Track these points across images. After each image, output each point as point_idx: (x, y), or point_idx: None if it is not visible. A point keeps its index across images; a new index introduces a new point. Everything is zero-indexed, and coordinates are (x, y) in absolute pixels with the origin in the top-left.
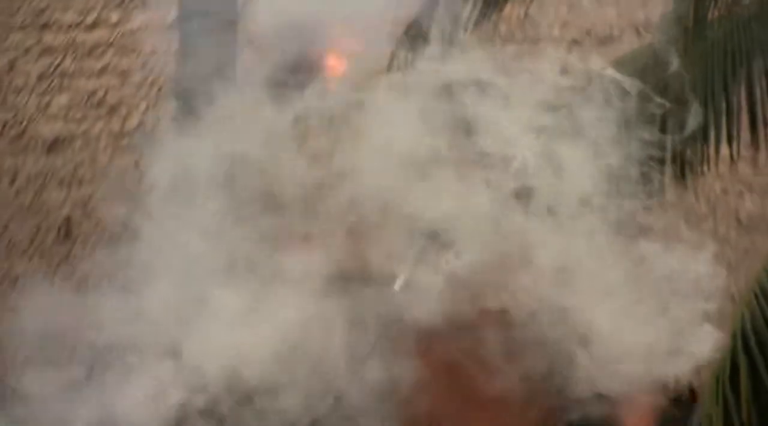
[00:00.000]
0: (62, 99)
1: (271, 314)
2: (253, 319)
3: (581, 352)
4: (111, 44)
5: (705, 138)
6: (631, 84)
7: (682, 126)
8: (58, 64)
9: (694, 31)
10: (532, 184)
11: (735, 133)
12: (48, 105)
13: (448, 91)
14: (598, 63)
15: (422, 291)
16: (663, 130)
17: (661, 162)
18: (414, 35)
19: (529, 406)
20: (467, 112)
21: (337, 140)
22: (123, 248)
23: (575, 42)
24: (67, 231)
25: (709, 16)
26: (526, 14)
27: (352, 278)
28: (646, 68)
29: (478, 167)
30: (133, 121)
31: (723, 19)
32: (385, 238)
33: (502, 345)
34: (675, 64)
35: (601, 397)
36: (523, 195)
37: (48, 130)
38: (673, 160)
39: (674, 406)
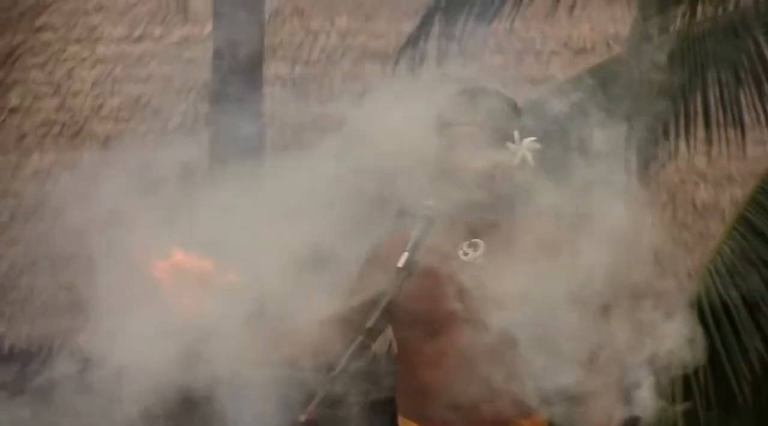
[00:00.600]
0: (113, 102)
1: None
2: None
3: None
4: (155, 55)
5: (666, 136)
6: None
7: (646, 126)
8: (110, 72)
9: (657, 45)
10: None
11: (692, 132)
12: (101, 107)
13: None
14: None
15: None
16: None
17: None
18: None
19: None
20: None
21: None
22: None
23: (554, 53)
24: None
25: (671, 30)
26: (511, 28)
27: None
28: (615, 76)
29: None
30: (173, 122)
31: (682, 34)
32: None
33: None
34: (640, 72)
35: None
36: None
37: (101, 129)
38: (638, 154)
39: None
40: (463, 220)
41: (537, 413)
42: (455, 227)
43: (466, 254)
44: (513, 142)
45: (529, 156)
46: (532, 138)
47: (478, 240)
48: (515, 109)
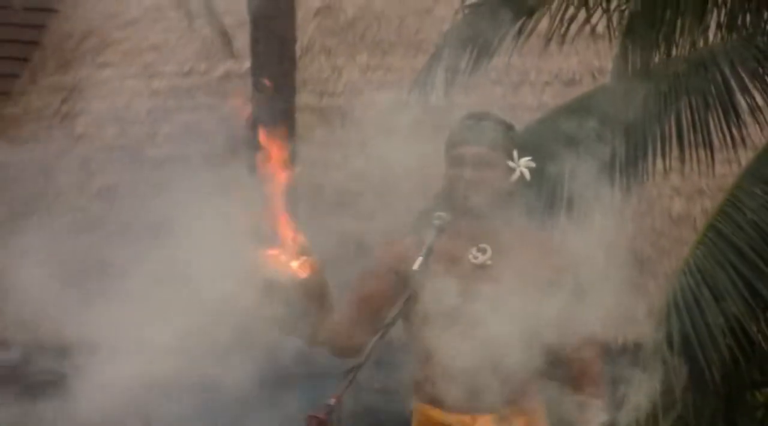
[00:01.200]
0: (165, 129)
1: None
2: None
3: None
4: (201, 87)
5: (644, 155)
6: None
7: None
8: (162, 103)
9: (637, 77)
10: None
11: (667, 152)
12: (155, 134)
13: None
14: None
15: None
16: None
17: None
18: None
19: None
20: None
21: None
22: None
23: (547, 83)
24: None
25: (650, 64)
26: (509, 62)
27: None
28: (601, 104)
29: None
30: (219, 145)
31: (659, 67)
32: None
33: None
34: (622, 101)
35: None
36: None
37: (155, 153)
38: (620, 172)
39: None
40: (471, 229)
41: (538, 397)
42: (464, 234)
43: (476, 257)
44: (512, 160)
45: (527, 173)
46: (528, 157)
47: (485, 245)
48: (513, 131)
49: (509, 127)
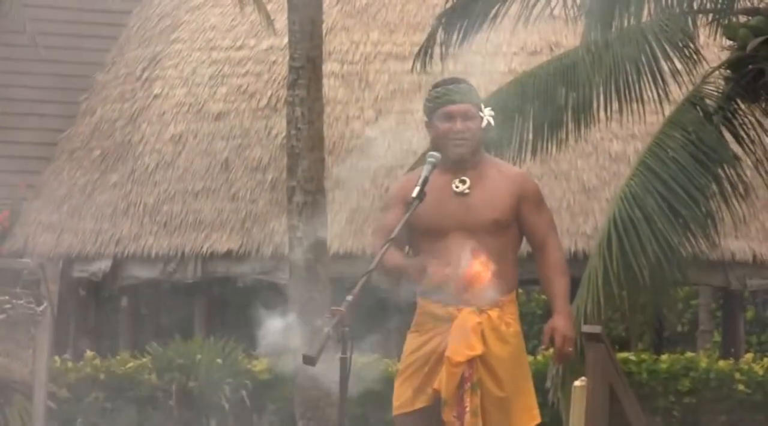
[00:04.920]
0: (222, 90)
1: None
2: None
3: None
4: (250, 58)
5: (590, 108)
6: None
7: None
8: (220, 70)
9: (590, 48)
10: None
11: (609, 105)
12: (215, 93)
13: None
14: (529, 67)
15: None
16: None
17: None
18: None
19: None
20: None
21: None
22: None
23: (515, 54)
24: (226, 164)
25: (608, 38)
26: (487, 38)
27: None
28: (557, 69)
29: None
30: (264, 102)
31: (604, 40)
32: None
33: None
34: (579, 66)
35: None
36: None
37: (215, 107)
38: (572, 121)
39: None
40: (455, 166)
41: (514, 292)
42: (450, 170)
43: (457, 187)
44: (482, 111)
45: (491, 120)
46: (489, 108)
47: (465, 177)
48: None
49: (473, 86)
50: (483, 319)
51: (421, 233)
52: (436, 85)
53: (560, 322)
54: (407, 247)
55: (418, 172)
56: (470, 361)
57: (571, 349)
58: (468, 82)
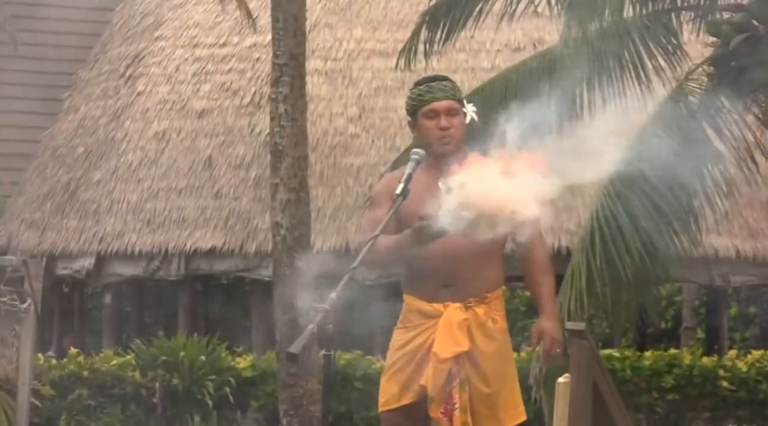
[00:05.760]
0: (206, 87)
1: None
2: None
3: None
4: (233, 55)
5: (573, 103)
6: None
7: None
8: (203, 67)
9: (575, 43)
10: None
11: (592, 100)
12: (198, 90)
13: None
14: (512, 63)
15: None
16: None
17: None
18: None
19: None
20: None
21: None
22: None
23: (499, 50)
24: (209, 161)
25: (588, 34)
26: (472, 35)
27: None
28: (541, 66)
29: None
30: (247, 99)
31: (589, 35)
32: None
33: None
34: (559, 63)
35: None
36: None
37: (198, 104)
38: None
39: None
40: (440, 163)
41: (500, 289)
42: (436, 168)
43: (444, 185)
44: (464, 107)
45: (474, 116)
46: (472, 104)
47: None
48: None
49: (454, 82)
50: (469, 316)
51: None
52: (418, 83)
53: (548, 324)
54: None
55: (403, 170)
56: (457, 358)
57: (559, 350)
58: (450, 79)
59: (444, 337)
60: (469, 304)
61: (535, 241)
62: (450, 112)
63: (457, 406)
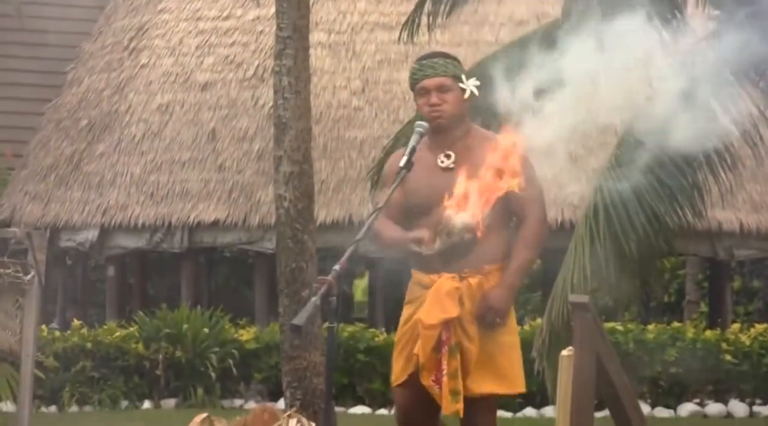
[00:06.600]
0: (209, 60)
1: None
2: None
3: None
4: (237, 28)
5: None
6: None
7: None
8: (207, 40)
9: (578, 16)
10: None
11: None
12: (201, 63)
13: None
14: (516, 37)
15: None
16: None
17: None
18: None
19: None
20: None
21: None
22: None
23: (502, 24)
24: (213, 134)
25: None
26: (476, 9)
27: None
28: (543, 40)
29: None
30: (250, 72)
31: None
32: None
33: None
34: (560, 37)
35: None
36: None
37: (201, 77)
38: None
39: None
40: (439, 141)
41: (501, 263)
42: (435, 145)
43: (442, 162)
44: (462, 82)
45: (475, 90)
46: (474, 78)
47: (450, 152)
48: (457, 62)
49: (455, 59)
50: (462, 285)
51: (413, 208)
52: (416, 61)
53: (492, 292)
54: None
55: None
56: (447, 325)
57: (499, 320)
58: (447, 55)
59: (431, 304)
60: (464, 275)
61: (530, 215)
62: (441, 89)
63: (445, 372)
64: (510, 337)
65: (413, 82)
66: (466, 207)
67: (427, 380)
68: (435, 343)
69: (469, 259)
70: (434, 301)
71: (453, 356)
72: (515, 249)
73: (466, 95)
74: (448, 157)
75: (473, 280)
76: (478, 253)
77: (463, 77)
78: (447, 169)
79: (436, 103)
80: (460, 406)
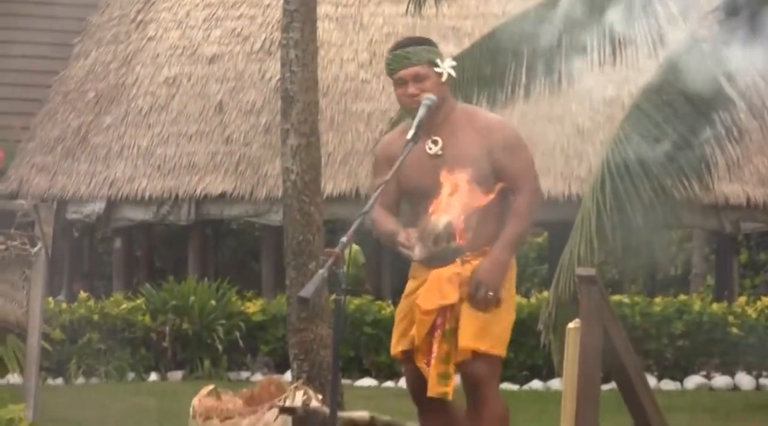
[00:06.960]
0: (216, 33)
1: None
2: None
3: None
4: (244, 1)
5: (584, 53)
6: None
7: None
8: (214, 13)
9: None
10: None
11: (603, 51)
12: (209, 36)
13: None
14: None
15: None
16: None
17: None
18: None
19: None
20: None
21: None
22: None
23: None
24: (220, 107)
25: None
26: None
27: None
28: (552, 13)
29: None
30: (258, 45)
31: None
32: None
33: None
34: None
35: None
36: None
37: (209, 50)
38: (566, 64)
39: None
40: (426, 127)
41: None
42: (424, 132)
43: (430, 149)
44: (438, 67)
45: (452, 71)
46: (450, 58)
47: (437, 138)
48: (432, 45)
49: (429, 43)
50: (463, 270)
51: (407, 196)
52: (389, 51)
53: (482, 266)
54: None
55: (399, 129)
56: (443, 310)
57: (491, 293)
58: (420, 40)
59: (430, 290)
60: (465, 259)
61: (523, 187)
62: (417, 79)
63: (434, 355)
64: (507, 314)
65: (389, 73)
66: (450, 211)
67: (420, 362)
68: (430, 328)
69: (469, 242)
70: (433, 286)
71: (445, 340)
72: (507, 221)
73: (444, 79)
74: (435, 143)
75: (475, 263)
76: (478, 235)
77: (438, 61)
78: (435, 156)
79: (414, 94)
80: (449, 389)
